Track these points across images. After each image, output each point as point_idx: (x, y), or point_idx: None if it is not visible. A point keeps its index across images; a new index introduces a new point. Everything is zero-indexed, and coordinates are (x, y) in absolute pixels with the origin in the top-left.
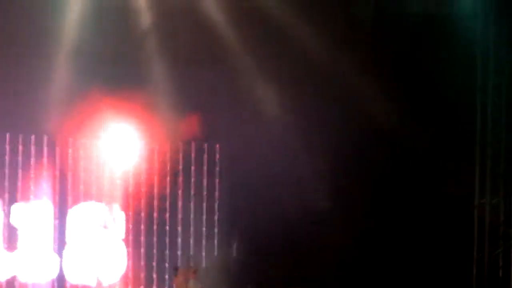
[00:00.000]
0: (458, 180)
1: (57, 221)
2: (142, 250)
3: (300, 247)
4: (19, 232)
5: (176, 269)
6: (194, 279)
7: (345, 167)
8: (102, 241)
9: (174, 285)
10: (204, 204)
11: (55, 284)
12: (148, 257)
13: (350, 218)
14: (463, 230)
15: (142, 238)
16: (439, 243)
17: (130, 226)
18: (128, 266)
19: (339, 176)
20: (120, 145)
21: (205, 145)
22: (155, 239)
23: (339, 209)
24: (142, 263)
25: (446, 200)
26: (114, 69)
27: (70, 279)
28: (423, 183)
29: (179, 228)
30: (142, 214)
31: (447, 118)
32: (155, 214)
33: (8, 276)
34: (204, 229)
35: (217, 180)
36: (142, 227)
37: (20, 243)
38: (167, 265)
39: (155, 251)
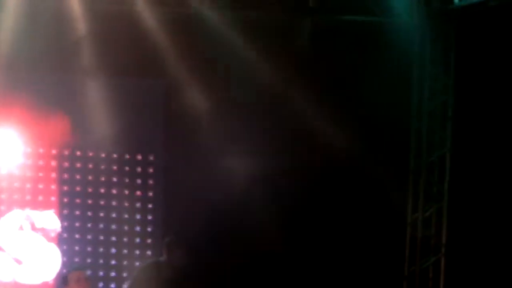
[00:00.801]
0: (390, 195)
1: None
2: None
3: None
4: None
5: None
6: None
7: (276, 173)
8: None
9: None
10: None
11: None
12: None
13: (282, 225)
14: (395, 245)
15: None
16: (370, 258)
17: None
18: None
19: (272, 182)
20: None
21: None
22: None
23: (273, 216)
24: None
25: (379, 215)
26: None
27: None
28: (355, 196)
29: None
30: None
31: (380, 126)
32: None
33: None
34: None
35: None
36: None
37: None
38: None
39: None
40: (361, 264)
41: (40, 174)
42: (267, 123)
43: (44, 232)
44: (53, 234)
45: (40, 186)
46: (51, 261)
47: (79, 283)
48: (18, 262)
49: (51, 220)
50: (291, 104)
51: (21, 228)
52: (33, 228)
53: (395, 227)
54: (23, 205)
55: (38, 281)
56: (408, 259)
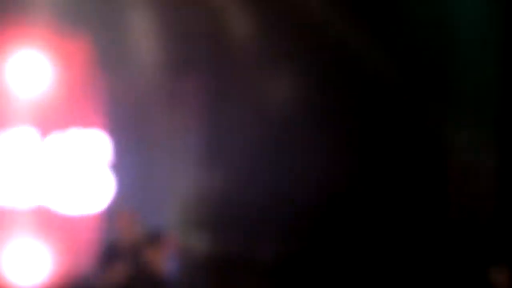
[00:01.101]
0: None
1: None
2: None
3: None
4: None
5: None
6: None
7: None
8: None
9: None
10: None
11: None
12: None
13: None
14: None
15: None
16: None
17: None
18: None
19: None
20: None
21: None
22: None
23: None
24: None
25: None
26: None
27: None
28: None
29: None
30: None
31: None
32: None
33: None
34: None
35: None
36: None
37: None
38: None
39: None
40: None
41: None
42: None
43: (93, 155)
44: (103, 157)
45: (89, 106)
46: (102, 188)
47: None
48: (66, 189)
49: (100, 142)
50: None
51: (68, 150)
52: (82, 150)
53: None
54: (69, 126)
55: (86, 212)
56: None
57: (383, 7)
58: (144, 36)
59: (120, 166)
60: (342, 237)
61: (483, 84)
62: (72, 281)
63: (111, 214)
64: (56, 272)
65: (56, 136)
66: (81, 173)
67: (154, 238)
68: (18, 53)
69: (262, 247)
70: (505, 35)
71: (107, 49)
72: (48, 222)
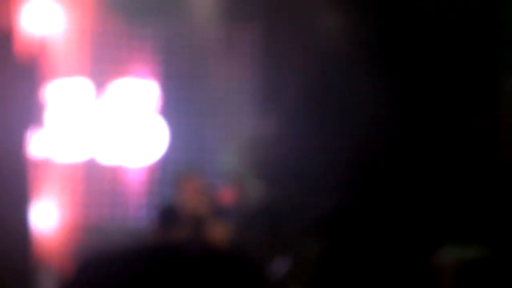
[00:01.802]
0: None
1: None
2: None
3: None
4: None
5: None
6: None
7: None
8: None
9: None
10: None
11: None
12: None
13: None
14: None
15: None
16: None
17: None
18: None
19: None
20: None
21: None
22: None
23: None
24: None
25: None
26: None
27: (102, 160)
28: None
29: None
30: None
31: None
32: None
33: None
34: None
35: None
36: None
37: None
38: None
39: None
40: None
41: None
42: None
43: (146, 105)
44: (156, 107)
45: (140, 55)
46: (156, 139)
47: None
48: (120, 141)
49: (153, 91)
50: None
51: (120, 101)
52: (134, 99)
53: None
54: (121, 74)
55: (141, 164)
56: None
57: None
58: None
59: (175, 115)
60: (398, 190)
61: None
62: (123, 234)
63: (166, 166)
64: (106, 224)
65: (109, 86)
66: (134, 124)
67: (222, 211)
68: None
69: (316, 198)
70: None
71: None
72: (101, 175)
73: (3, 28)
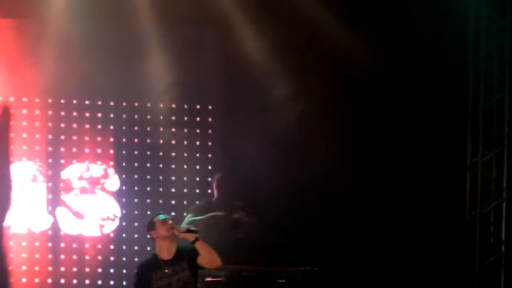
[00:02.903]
0: (449, 140)
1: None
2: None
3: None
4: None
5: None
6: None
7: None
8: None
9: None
10: None
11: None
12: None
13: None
14: (455, 191)
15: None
16: (431, 204)
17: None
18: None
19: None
20: None
21: None
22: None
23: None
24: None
25: (438, 160)
26: None
27: (64, 229)
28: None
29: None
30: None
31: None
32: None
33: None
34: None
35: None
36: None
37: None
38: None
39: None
40: (421, 210)
41: (99, 127)
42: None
43: (102, 185)
44: (112, 188)
45: (99, 138)
46: (111, 214)
47: (165, 225)
48: (80, 216)
49: (110, 173)
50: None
51: (80, 181)
52: (93, 181)
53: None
54: (82, 158)
55: (99, 233)
56: (468, 204)
57: None
58: None
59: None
60: None
61: None
62: None
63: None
64: None
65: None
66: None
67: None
68: None
69: None
70: None
71: None
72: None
73: None
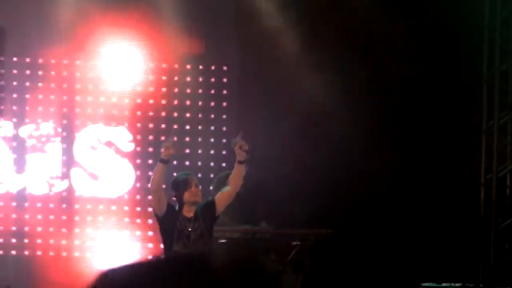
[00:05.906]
0: (465, 103)
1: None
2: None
3: None
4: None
5: (185, 180)
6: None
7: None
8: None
9: None
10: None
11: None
12: None
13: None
14: (471, 154)
15: (151, 162)
16: (447, 167)
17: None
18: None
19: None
20: (123, 64)
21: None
22: None
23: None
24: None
25: (453, 124)
26: None
27: (78, 191)
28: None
29: (188, 151)
30: (150, 137)
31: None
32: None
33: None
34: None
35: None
36: (151, 149)
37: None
38: None
39: None
40: (438, 174)
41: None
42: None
43: (117, 147)
44: (126, 149)
45: (114, 99)
46: (125, 176)
47: (197, 186)
48: (94, 177)
49: (124, 135)
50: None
51: (95, 143)
52: (107, 143)
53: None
54: (96, 120)
55: (114, 195)
56: (484, 167)
57: None
58: None
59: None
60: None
61: None
62: None
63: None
64: None
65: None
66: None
67: None
68: None
69: None
70: None
71: None
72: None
73: None
